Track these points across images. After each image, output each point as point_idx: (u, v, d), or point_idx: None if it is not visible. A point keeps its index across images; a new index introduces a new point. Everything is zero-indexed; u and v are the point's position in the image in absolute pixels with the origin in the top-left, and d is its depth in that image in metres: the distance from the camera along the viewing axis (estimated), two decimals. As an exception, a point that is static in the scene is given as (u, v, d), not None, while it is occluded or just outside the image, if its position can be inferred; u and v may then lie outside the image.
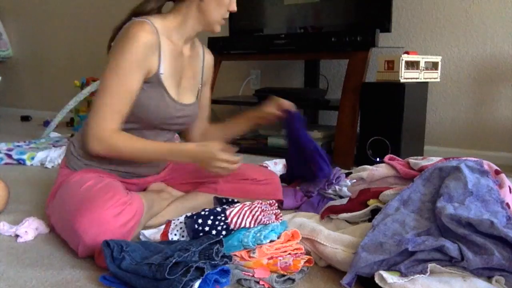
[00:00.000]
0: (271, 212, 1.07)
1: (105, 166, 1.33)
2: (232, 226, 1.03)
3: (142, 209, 1.18)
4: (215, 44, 2.63)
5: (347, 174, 1.74)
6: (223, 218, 1.03)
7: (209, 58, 1.50)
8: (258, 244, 0.99)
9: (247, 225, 1.03)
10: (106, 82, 1.21)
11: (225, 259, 0.95)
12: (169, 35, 1.29)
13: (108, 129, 1.21)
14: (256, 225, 1.03)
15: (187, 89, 1.39)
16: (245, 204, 1.08)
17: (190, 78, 1.40)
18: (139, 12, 1.28)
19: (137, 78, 1.22)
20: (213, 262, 0.92)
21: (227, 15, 1.33)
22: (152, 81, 1.26)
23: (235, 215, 1.05)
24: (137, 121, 1.29)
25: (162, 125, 1.34)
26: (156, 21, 1.26)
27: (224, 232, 1.00)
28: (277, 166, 2.04)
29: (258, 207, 1.06)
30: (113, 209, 1.10)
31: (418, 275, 0.89)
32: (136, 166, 1.37)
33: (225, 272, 0.94)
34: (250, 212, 1.04)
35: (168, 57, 1.29)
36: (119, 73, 1.20)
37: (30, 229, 1.28)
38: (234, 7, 1.33)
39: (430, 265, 0.91)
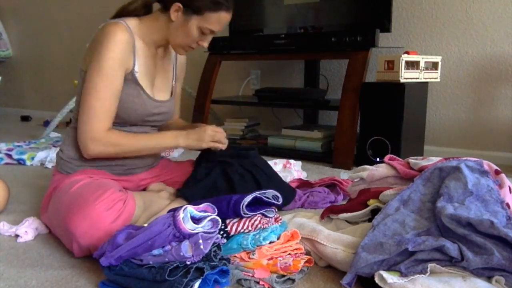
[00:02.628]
0: (271, 218, 1.07)
1: (97, 164, 1.34)
2: (232, 233, 1.03)
3: (134, 205, 1.17)
4: (215, 44, 2.63)
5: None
6: (222, 226, 1.03)
7: (181, 57, 1.53)
8: (257, 246, 0.99)
9: (246, 230, 1.03)
10: (92, 83, 1.24)
11: (224, 261, 0.95)
12: (143, 36, 1.34)
13: (102, 129, 1.24)
14: (255, 230, 1.02)
15: (161, 88, 1.43)
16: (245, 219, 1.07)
17: (163, 78, 1.44)
18: (120, 14, 1.35)
19: (121, 76, 1.27)
20: (212, 264, 0.92)
21: (194, 46, 1.36)
22: (128, 79, 1.30)
23: (234, 223, 1.04)
24: (117, 118, 1.32)
25: (141, 122, 1.38)
26: (130, 22, 1.31)
27: (224, 240, 1.00)
28: (277, 166, 2.04)
29: (258, 218, 1.05)
30: (103, 204, 1.10)
31: (418, 275, 0.89)
32: (128, 162, 1.38)
33: (225, 273, 0.94)
34: (249, 221, 1.04)
35: (141, 57, 1.33)
36: (103, 73, 1.24)
37: (30, 229, 1.28)
38: (204, 44, 1.37)
39: (430, 265, 0.90)
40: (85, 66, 1.30)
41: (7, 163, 2.30)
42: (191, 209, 0.95)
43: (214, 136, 1.37)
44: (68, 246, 1.14)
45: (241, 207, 1.01)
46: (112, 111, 1.27)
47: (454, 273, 0.91)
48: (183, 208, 0.94)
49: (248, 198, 1.02)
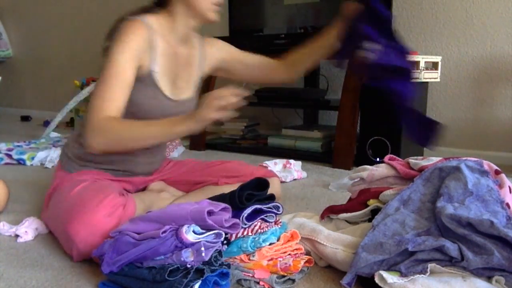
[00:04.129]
0: (271, 221, 1.07)
1: (101, 166, 1.33)
2: (232, 240, 1.02)
3: (134, 210, 1.16)
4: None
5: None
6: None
7: (210, 49, 1.47)
8: (257, 248, 0.99)
9: (246, 235, 1.03)
10: (102, 76, 1.20)
11: (224, 266, 0.95)
12: (164, 34, 1.29)
13: (103, 118, 1.17)
14: (254, 234, 1.02)
15: (183, 86, 1.39)
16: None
17: (187, 75, 1.39)
18: (136, 12, 1.29)
19: (131, 68, 1.21)
20: (212, 268, 0.92)
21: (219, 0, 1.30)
22: (145, 78, 1.26)
23: None
24: (135, 119, 1.29)
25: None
26: (150, 19, 1.27)
27: (225, 247, 1.00)
28: (277, 166, 2.04)
29: (257, 223, 1.05)
30: (104, 210, 1.09)
31: (418, 275, 0.89)
32: (131, 164, 1.37)
33: (225, 275, 0.94)
34: (249, 227, 1.04)
35: (161, 56, 1.29)
36: (113, 65, 1.19)
37: (30, 229, 1.28)
38: None
39: (430, 265, 0.90)
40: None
41: (7, 163, 2.30)
42: (195, 226, 0.95)
43: (217, 106, 1.13)
44: (67, 250, 1.13)
45: (241, 219, 1.01)
46: (118, 101, 1.19)
47: (454, 273, 0.91)
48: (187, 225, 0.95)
49: (248, 211, 1.02)
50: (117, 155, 1.32)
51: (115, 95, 1.19)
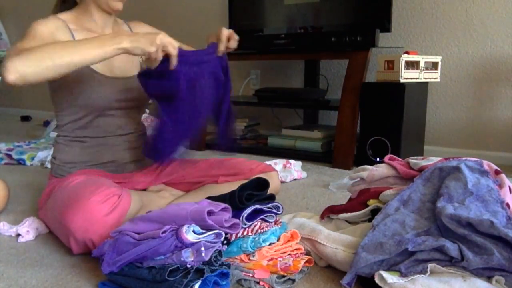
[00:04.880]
0: (271, 221, 1.07)
1: (90, 164, 1.35)
2: (232, 240, 1.03)
3: (129, 200, 1.17)
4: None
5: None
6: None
7: (137, 29, 1.48)
8: (257, 248, 0.99)
9: (246, 235, 1.03)
10: (18, 45, 1.11)
11: (224, 266, 0.95)
12: (83, 24, 1.33)
13: (11, 53, 1.05)
14: (254, 234, 1.02)
15: (124, 64, 1.38)
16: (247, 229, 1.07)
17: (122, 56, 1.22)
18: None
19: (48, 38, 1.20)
20: (212, 268, 0.92)
21: None
22: None
23: None
24: (87, 109, 1.31)
25: (109, 107, 1.34)
26: (62, 15, 1.32)
27: (225, 247, 1.00)
28: (277, 166, 2.05)
29: (258, 223, 1.05)
30: (98, 197, 1.10)
31: (418, 275, 0.89)
32: (111, 152, 1.38)
33: (225, 275, 0.94)
34: (249, 227, 1.04)
35: (84, 37, 1.28)
36: (30, 35, 1.17)
37: (31, 228, 1.28)
38: None
39: (430, 265, 0.90)
40: None
41: (7, 163, 2.30)
42: (195, 226, 0.95)
43: (164, 44, 1.10)
44: (66, 243, 1.14)
45: (241, 219, 1.01)
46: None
47: (454, 273, 0.91)
48: (187, 225, 0.95)
49: (248, 211, 1.03)
50: (96, 147, 1.34)
51: (33, 43, 1.12)
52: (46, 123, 3.50)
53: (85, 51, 1.07)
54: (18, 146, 2.51)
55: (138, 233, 0.97)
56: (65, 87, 1.30)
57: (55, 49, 1.06)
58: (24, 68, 1.03)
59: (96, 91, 1.30)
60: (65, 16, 1.33)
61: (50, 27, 1.24)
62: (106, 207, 1.09)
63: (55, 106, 1.38)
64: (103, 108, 1.33)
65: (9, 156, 2.32)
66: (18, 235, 1.27)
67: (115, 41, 1.08)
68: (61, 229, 1.15)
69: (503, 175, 1.11)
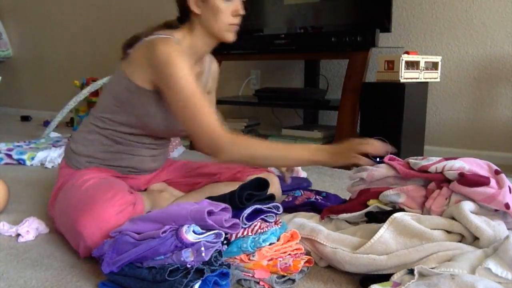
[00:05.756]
0: (271, 221, 1.07)
1: (107, 162, 1.34)
2: (232, 240, 1.03)
3: (143, 208, 1.19)
4: (215, 44, 2.63)
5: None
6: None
7: (214, 66, 1.51)
8: (257, 248, 0.99)
9: (246, 235, 1.03)
10: (182, 101, 1.17)
11: (224, 266, 0.95)
12: (187, 49, 1.30)
13: (232, 134, 1.17)
14: (254, 234, 1.02)
15: None
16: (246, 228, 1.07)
17: None
18: (160, 27, 1.30)
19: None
20: (212, 268, 0.92)
21: (235, 20, 1.29)
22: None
23: None
24: (143, 128, 1.31)
25: (165, 135, 1.38)
26: (177, 36, 1.27)
27: (225, 247, 1.00)
28: (277, 166, 2.04)
29: (257, 223, 1.05)
30: (114, 208, 1.10)
31: (408, 283, 0.87)
32: (137, 160, 1.37)
33: (225, 275, 0.94)
34: (249, 227, 1.04)
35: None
36: (183, 80, 1.18)
37: (31, 228, 1.28)
38: (238, 11, 1.28)
39: (417, 268, 0.89)
40: (129, 72, 1.26)
41: (7, 163, 2.30)
42: (195, 226, 0.95)
43: (359, 149, 1.23)
44: (74, 245, 1.14)
45: (241, 219, 1.01)
46: (214, 115, 1.20)
47: (443, 273, 0.89)
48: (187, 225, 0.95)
49: (248, 211, 1.03)
50: (122, 153, 1.33)
51: (208, 109, 1.18)
52: (46, 123, 3.50)
53: (293, 161, 1.26)
54: (18, 146, 2.51)
55: (138, 233, 0.97)
56: (134, 108, 1.28)
57: (270, 156, 1.22)
58: (235, 160, 1.22)
59: (164, 123, 1.30)
60: (180, 39, 1.28)
61: (187, 64, 1.20)
62: (122, 218, 1.09)
63: (108, 104, 1.32)
64: (157, 134, 1.35)
65: (9, 156, 2.32)
66: (18, 235, 1.27)
67: (319, 159, 1.21)
68: (71, 232, 1.14)
69: (503, 175, 1.11)
